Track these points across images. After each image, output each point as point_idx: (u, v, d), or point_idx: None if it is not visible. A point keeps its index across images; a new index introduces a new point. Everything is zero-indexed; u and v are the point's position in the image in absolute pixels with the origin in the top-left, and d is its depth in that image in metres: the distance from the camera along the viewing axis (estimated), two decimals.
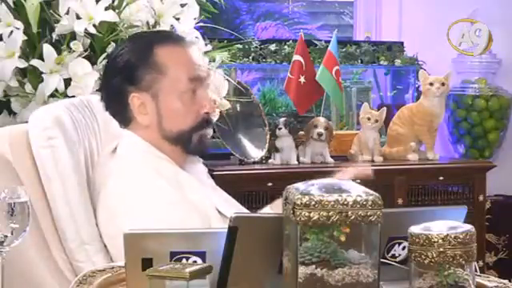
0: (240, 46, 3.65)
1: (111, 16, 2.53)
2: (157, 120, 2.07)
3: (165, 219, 1.92)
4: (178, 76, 2.07)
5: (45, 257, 2.03)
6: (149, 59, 2.06)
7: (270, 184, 3.27)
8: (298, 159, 3.49)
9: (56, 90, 2.47)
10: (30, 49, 2.54)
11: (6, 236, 1.56)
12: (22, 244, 1.61)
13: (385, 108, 3.66)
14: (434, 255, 1.32)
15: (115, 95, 2.08)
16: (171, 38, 2.17)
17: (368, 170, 2.25)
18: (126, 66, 2.06)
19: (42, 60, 2.47)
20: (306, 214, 1.27)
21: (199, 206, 2.04)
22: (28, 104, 2.52)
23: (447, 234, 1.33)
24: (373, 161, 3.62)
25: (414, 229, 1.36)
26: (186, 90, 2.07)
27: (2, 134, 2.09)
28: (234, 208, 2.12)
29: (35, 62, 2.47)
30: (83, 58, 2.50)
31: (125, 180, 2.04)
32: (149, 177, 2.04)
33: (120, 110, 2.09)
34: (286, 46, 3.79)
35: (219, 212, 2.07)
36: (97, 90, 2.41)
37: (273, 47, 3.78)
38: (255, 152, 3.49)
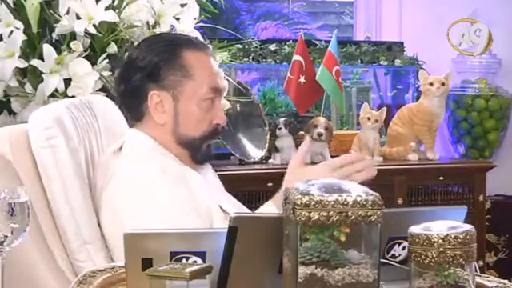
0: (240, 46, 3.66)
1: (111, 16, 2.53)
2: (173, 121, 2.08)
3: (169, 219, 1.92)
4: (201, 82, 2.09)
5: (45, 257, 2.03)
6: (176, 61, 2.08)
7: (270, 184, 3.27)
8: None
9: (56, 90, 2.47)
10: (30, 49, 2.54)
11: (6, 236, 1.56)
12: (22, 244, 1.60)
13: (385, 108, 3.66)
14: (434, 255, 1.32)
15: (134, 89, 2.09)
16: (198, 44, 2.19)
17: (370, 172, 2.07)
18: (150, 64, 2.08)
19: (42, 60, 2.47)
20: (306, 214, 1.27)
21: (204, 203, 2.05)
22: (28, 104, 2.52)
23: (447, 234, 1.33)
24: (373, 161, 3.62)
25: (414, 229, 1.36)
26: (206, 98, 2.09)
27: (3, 134, 2.09)
28: (237, 208, 2.13)
29: (35, 62, 2.47)
30: (83, 57, 2.50)
31: (129, 179, 2.04)
32: (154, 175, 2.04)
33: (135, 105, 2.11)
34: (286, 46, 3.80)
35: (223, 210, 2.07)
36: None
37: (273, 47, 3.78)
38: (255, 152, 3.49)
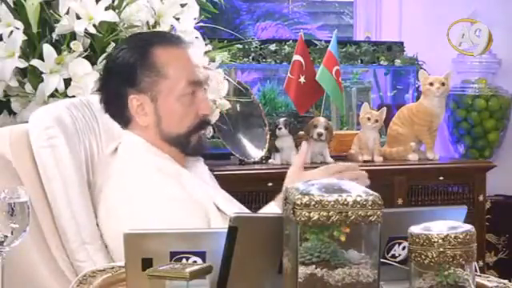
0: (240, 46, 3.65)
1: (111, 16, 2.53)
2: (155, 121, 2.08)
3: (167, 218, 1.92)
4: (177, 79, 2.07)
5: (45, 257, 2.03)
6: (147, 61, 2.06)
7: (270, 184, 3.27)
8: None
9: (56, 90, 2.47)
10: (30, 49, 2.54)
11: (6, 236, 1.56)
12: (22, 244, 1.61)
13: (385, 108, 3.66)
14: (434, 255, 1.32)
15: (114, 97, 2.09)
16: (169, 39, 2.16)
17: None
18: (125, 67, 2.06)
19: (42, 60, 2.47)
20: (306, 214, 1.27)
21: (200, 202, 2.05)
22: (28, 104, 2.52)
23: (447, 234, 1.33)
24: (373, 161, 3.62)
25: (414, 229, 1.36)
26: (186, 93, 2.07)
27: (3, 134, 2.09)
28: (235, 207, 2.13)
29: (35, 62, 2.47)
30: (83, 57, 2.50)
31: (126, 180, 2.04)
32: (150, 175, 2.04)
33: (119, 112, 2.10)
34: (286, 46, 3.79)
35: (218, 209, 2.07)
36: (97, 90, 2.41)
37: (273, 47, 3.78)
38: (255, 152, 3.49)
